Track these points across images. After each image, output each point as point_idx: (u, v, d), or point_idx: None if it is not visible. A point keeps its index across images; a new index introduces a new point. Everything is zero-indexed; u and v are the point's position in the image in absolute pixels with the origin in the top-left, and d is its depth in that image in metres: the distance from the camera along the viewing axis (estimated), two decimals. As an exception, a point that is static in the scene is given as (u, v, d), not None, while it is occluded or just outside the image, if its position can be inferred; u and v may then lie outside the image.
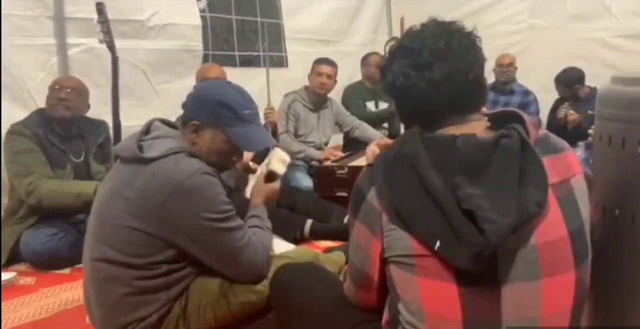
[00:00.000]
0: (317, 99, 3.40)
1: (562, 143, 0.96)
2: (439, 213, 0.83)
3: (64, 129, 2.33)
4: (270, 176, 1.74)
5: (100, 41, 2.33)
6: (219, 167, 1.41)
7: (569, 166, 0.91)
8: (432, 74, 0.92)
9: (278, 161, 1.78)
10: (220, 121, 1.36)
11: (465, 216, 0.81)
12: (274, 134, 2.95)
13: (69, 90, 2.28)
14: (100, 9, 2.29)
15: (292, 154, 3.15)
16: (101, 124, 2.53)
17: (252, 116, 1.41)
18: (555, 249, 0.86)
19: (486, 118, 0.97)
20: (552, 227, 0.86)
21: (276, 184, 1.70)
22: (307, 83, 3.42)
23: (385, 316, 1.00)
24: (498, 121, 0.94)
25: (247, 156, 2.13)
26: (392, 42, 1.01)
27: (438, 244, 0.83)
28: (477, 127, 0.93)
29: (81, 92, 2.35)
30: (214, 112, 1.36)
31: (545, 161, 0.88)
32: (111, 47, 2.34)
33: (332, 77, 3.36)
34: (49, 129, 2.29)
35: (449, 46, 0.93)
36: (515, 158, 0.85)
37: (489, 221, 0.79)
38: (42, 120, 2.29)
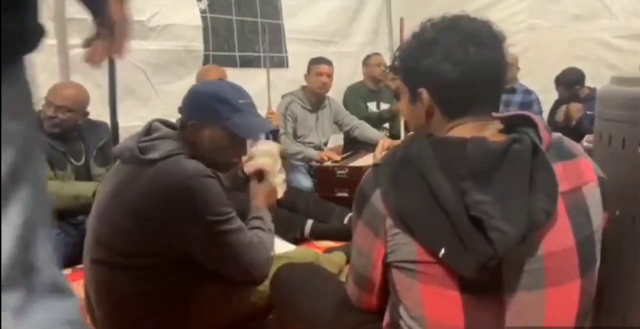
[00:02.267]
0: (315, 100, 3.40)
1: (577, 148, 0.93)
2: (446, 219, 0.82)
3: (61, 134, 2.32)
4: (260, 174, 1.68)
5: None
6: (222, 168, 1.41)
7: (581, 173, 0.89)
8: (490, 54, 0.90)
9: (262, 154, 1.72)
10: (217, 116, 1.36)
11: (473, 223, 0.80)
12: (275, 139, 2.95)
13: (56, 107, 2.24)
14: None
15: (291, 155, 3.17)
16: (102, 126, 2.51)
17: (248, 105, 1.41)
18: (561, 259, 0.85)
19: (499, 121, 0.94)
20: (559, 237, 0.84)
21: (268, 182, 1.67)
22: (306, 84, 3.41)
23: (386, 318, 0.99)
24: (511, 124, 0.92)
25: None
26: (428, 22, 0.95)
27: (443, 251, 0.82)
28: (490, 129, 0.91)
29: (73, 106, 2.28)
30: (210, 108, 1.36)
31: (557, 167, 0.85)
32: None
33: (331, 76, 3.37)
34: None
35: (497, 37, 0.92)
36: (525, 165, 0.83)
37: (497, 231, 0.78)
38: (39, 123, 2.28)
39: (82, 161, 2.40)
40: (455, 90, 0.91)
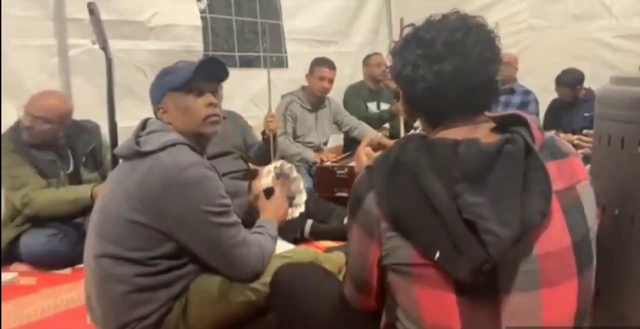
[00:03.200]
0: (315, 100, 3.40)
1: (568, 147, 0.93)
2: (440, 223, 0.81)
3: (46, 143, 2.27)
4: (267, 192, 1.74)
5: (93, 42, 2.29)
6: (208, 129, 1.41)
7: (574, 172, 0.89)
8: (442, 67, 0.87)
9: (262, 177, 1.78)
10: (170, 86, 1.40)
11: (467, 226, 0.80)
12: (274, 141, 2.92)
13: (34, 117, 2.19)
14: (91, 9, 2.23)
15: (289, 156, 3.17)
16: (92, 129, 2.46)
17: (188, 63, 1.45)
18: (558, 259, 0.84)
19: (491, 120, 0.93)
20: (555, 237, 0.84)
21: (274, 198, 1.69)
22: (306, 83, 3.41)
23: (384, 319, 0.99)
24: (503, 123, 0.91)
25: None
26: (409, 29, 0.95)
27: (437, 255, 0.81)
28: (481, 130, 0.90)
29: (51, 118, 2.21)
30: (160, 84, 1.42)
31: (550, 166, 0.85)
32: (104, 48, 2.27)
33: (333, 80, 3.36)
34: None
35: (464, 40, 0.88)
36: (519, 166, 0.82)
37: (490, 233, 0.77)
38: (18, 132, 2.24)
39: (71, 168, 2.36)
40: (420, 102, 0.94)
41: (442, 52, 0.88)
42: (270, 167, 1.82)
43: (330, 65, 3.35)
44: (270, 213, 1.63)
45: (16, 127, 2.28)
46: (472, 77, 0.89)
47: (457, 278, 0.81)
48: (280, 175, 1.85)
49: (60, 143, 2.34)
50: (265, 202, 1.69)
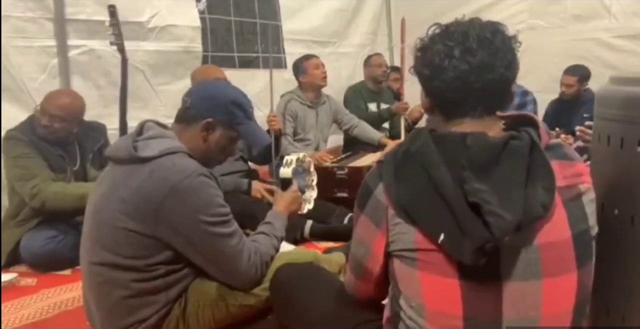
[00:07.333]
0: (313, 96, 3.39)
1: (574, 153, 0.95)
2: (445, 207, 0.84)
3: (57, 139, 2.30)
4: (284, 183, 1.76)
5: (112, 43, 2.34)
6: (216, 162, 1.46)
7: (578, 174, 0.91)
8: (474, 59, 0.90)
9: (284, 166, 1.81)
10: (233, 120, 1.42)
11: (471, 209, 0.82)
12: (277, 141, 2.92)
13: (50, 116, 2.22)
14: (112, 11, 2.29)
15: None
16: (99, 128, 2.50)
17: (253, 113, 1.49)
18: (558, 250, 0.86)
19: (501, 121, 0.96)
20: (556, 229, 0.86)
21: (292, 190, 1.72)
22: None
23: (387, 312, 1.00)
24: (513, 124, 0.94)
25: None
26: (435, 27, 0.98)
27: (442, 237, 0.84)
28: (491, 127, 0.93)
29: (66, 116, 2.25)
30: (228, 111, 1.41)
31: (554, 164, 0.88)
32: (121, 50, 2.34)
33: (325, 67, 3.40)
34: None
35: (494, 39, 0.91)
36: (523, 159, 0.85)
37: (494, 215, 0.80)
38: (33, 128, 2.27)
39: (78, 165, 2.38)
40: (441, 96, 0.96)
41: (474, 45, 0.91)
42: (293, 158, 1.82)
43: (315, 55, 3.43)
44: (284, 206, 1.64)
45: (29, 122, 2.30)
46: (496, 73, 0.91)
47: (460, 261, 0.83)
48: (300, 167, 1.86)
49: (69, 140, 2.37)
50: (280, 193, 1.70)
